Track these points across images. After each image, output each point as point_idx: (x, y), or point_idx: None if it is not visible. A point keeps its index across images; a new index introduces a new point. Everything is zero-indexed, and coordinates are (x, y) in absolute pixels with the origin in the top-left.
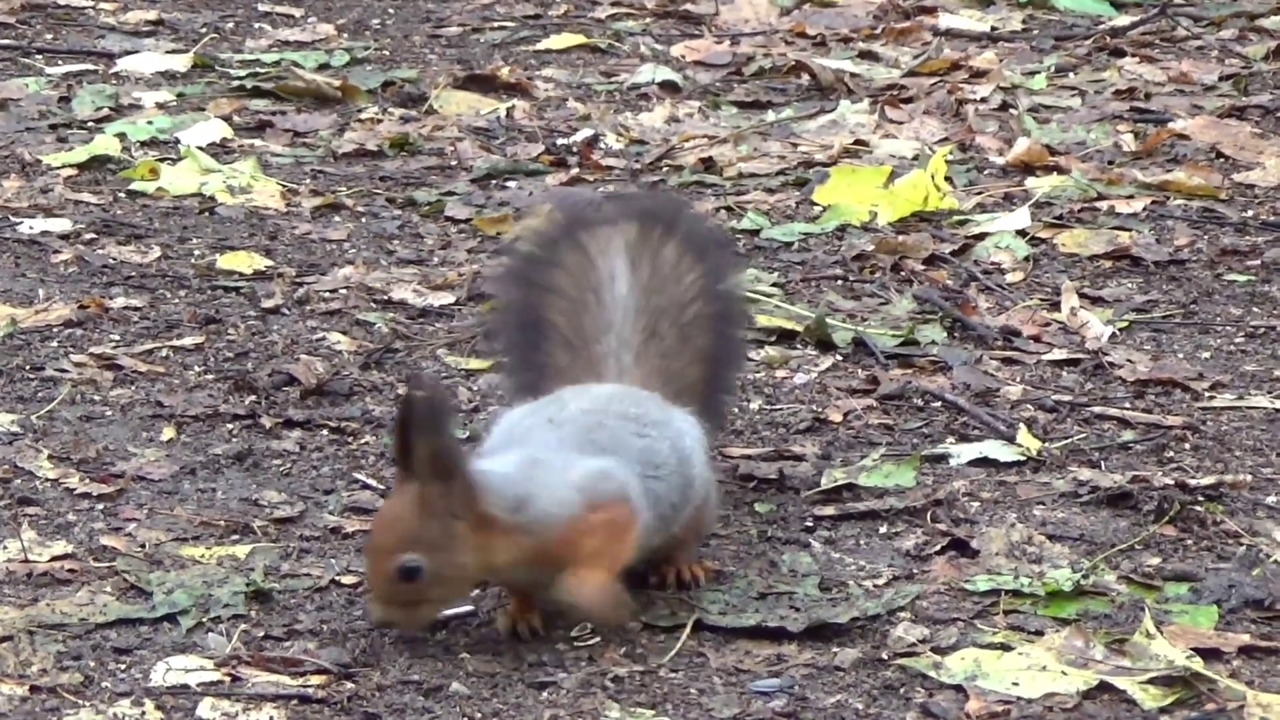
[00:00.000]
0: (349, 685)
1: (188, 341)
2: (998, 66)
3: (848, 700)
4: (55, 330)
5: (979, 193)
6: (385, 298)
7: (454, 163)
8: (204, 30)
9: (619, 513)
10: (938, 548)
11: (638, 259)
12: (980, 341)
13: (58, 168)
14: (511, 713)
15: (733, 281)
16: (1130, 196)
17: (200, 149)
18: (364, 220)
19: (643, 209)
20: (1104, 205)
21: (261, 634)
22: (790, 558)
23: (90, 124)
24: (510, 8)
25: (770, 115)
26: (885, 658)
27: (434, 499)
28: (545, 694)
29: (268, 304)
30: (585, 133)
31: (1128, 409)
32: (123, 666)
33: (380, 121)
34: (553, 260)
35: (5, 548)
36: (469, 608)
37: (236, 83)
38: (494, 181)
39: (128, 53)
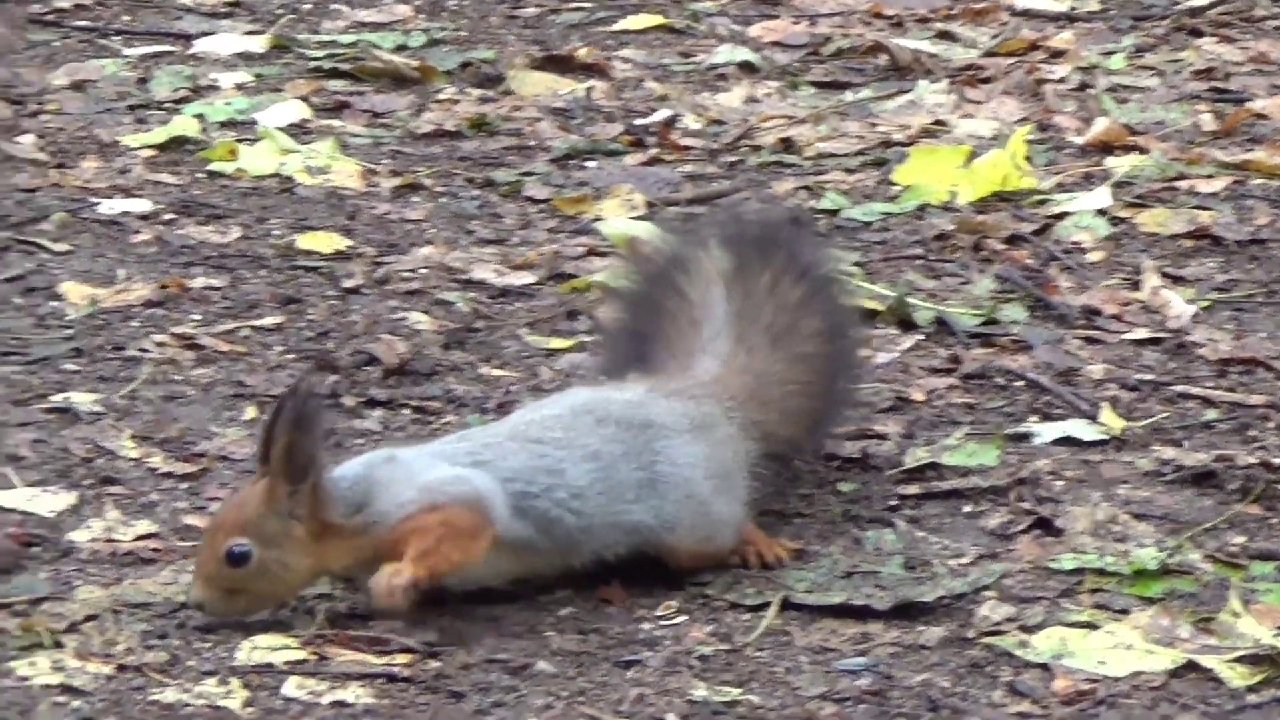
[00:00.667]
0: (434, 664)
1: (268, 321)
2: (1076, 46)
3: (934, 679)
4: (136, 310)
5: (1058, 172)
6: (465, 277)
7: (532, 143)
8: (281, 11)
9: (461, 516)
10: (1022, 526)
11: (733, 287)
12: (1062, 321)
13: (136, 148)
14: (597, 691)
15: (838, 291)
16: (1210, 176)
17: (279, 129)
18: (443, 200)
19: (740, 236)
20: (1184, 185)
21: (346, 612)
22: (875, 536)
23: (168, 105)
24: None
25: (848, 95)
26: (971, 636)
27: (280, 496)
28: (631, 673)
29: (348, 284)
30: (663, 113)
31: (1210, 388)
32: (208, 645)
33: (458, 102)
34: (654, 292)
35: (89, 527)
36: None
37: (314, 63)
38: (572, 161)
39: (205, 34)
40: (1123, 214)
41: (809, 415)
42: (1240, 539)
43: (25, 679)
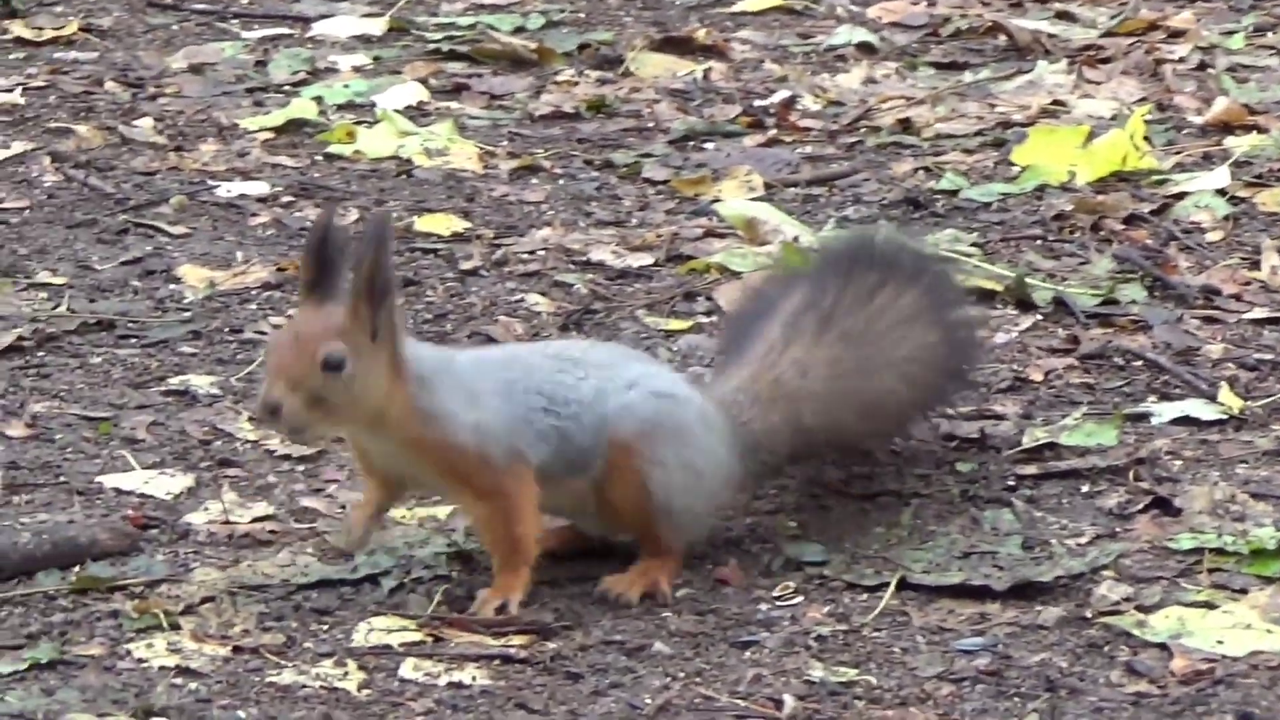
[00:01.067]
0: (551, 645)
1: None
2: (1195, 26)
3: (1051, 659)
4: (254, 292)
5: (1178, 152)
6: (584, 259)
7: (651, 124)
8: None
9: (507, 483)
10: (1140, 506)
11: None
12: (1181, 300)
13: (254, 131)
14: (714, 672)
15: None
16: None
17: (397, 112)
18: (561, 182)
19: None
20: None
21: (463, 594)
22: (992, 516)
23: (287, 88)
24: None
25: (968, 76)
26: (1089, 616)
27: (363, 316)
28: (748, 653)
29: (466, 265)
30: (782, 94)
31: None
32: (325, 627)
33: (577, 84)
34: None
35: (206, 509)
36: None
37: (432, 46)
38: (691, 143)
39: (323, 16)
40: (1242, 193)
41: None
42: None
43: (142, 661)
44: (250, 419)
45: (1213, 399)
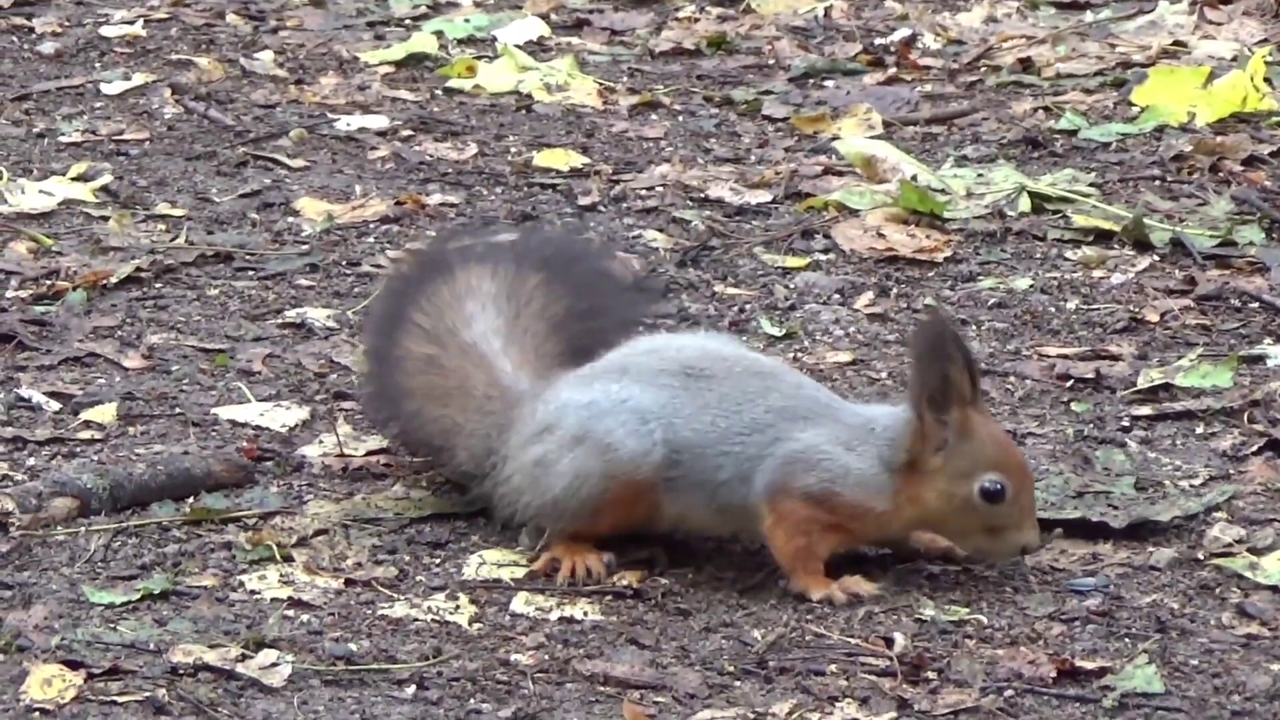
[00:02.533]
0: (663, 581)
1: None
2: None
3: (1163, 600)
4: (371, 226)
5: None
6: (702, 195)
7: (771, 61)
8: None
9: None
10: (1255, 448)
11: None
12: None
13: (375, 65)
14: (825, 610)
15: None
16: None
17: (517, 47)
18: (681, 119)
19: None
20: None
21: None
22: (1105, 456)
23: (407, 22)
24: None
25: (1089, 16)
26: (1201, 558)
27: None
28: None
29: (584, 201)
30: (903, 32)
31: None
32: (437, 561)
33: (697, 20)
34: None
35: (321, 442)
36: None
37: None
38: (811, 80)
39: None
40: None
41: None
42: None
43: (255, 592)
44: (1024, 550)
45: None
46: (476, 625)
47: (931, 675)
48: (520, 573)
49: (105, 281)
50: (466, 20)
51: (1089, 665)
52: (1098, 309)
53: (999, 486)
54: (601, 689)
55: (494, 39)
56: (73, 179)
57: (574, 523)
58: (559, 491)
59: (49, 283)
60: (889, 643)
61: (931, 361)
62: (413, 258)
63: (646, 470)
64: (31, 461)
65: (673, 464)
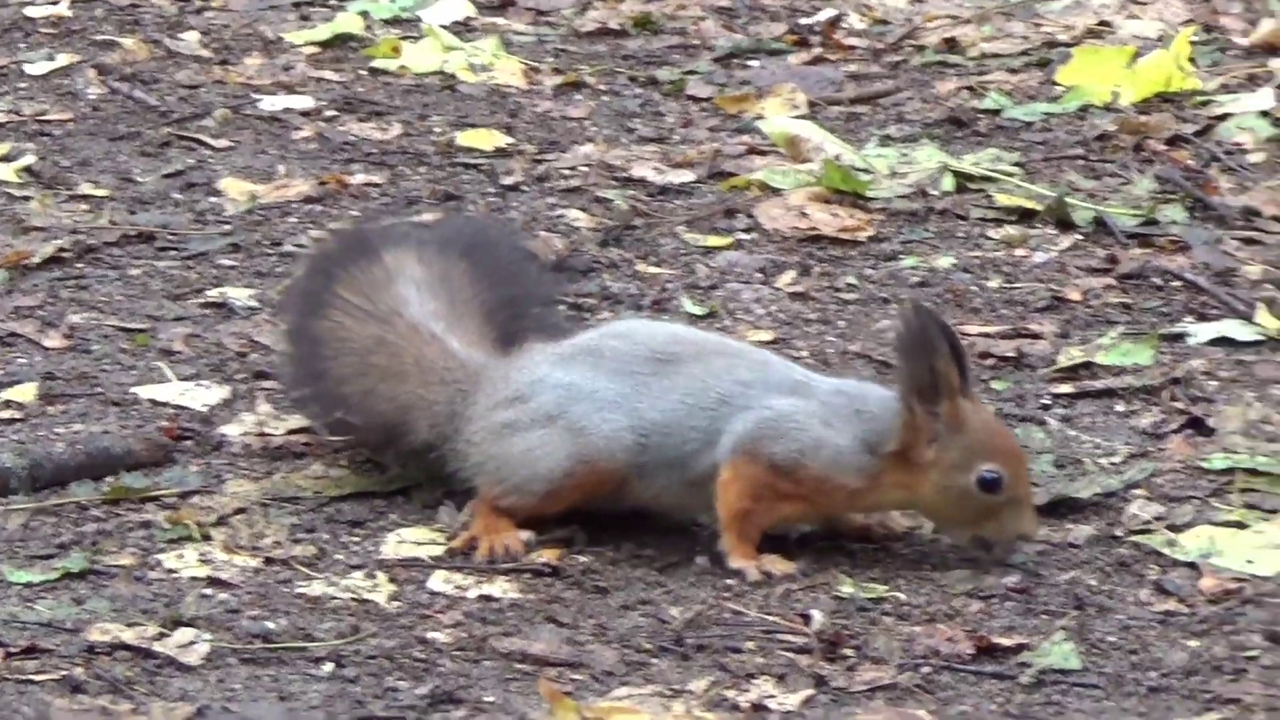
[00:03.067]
0: (582, 559)
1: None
2: None
3: (1081, 577)
4: (295, 206)
5: (1222, 74)
6: (625, 175)
7: (696, 41)
8: None
9: None
10: (1174, 426)
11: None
12: (1221, 221)
13: (300, 45)
14: (744, 588)
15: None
16: None
17: (442, 27)
18: (605, 99)
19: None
20: None
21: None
22: (1025, 434)
23: (333, 2)
24: None
25: None
26: (1120, 535)
27: None
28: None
29: (507, 181)
30: (828, 12)
31: None
32: (355, 539)
33: (623, 1)
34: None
35: (241, 421)
36: None
37: None
38: (736, 60)
39: None
40: None
41: None
42: None
43: (173, 571)
44: (1023, 538)
45: (1250, 320)
46: (394, 603)
47: (849, 652)
48: (438, 551)
49: (27, 261)
50: (392, 1)
51: (1006, 642)
52: (1020, 288)
53: (996, 476)
54: (519, 666)
55: (419, 19)
56: None
57: (521, 497)
58: (517, 459)
59: None
60: (807, 620)
61: (918, 355)
62: (336, 237)
63: (620, 458)
64: None
65: (642, 449)
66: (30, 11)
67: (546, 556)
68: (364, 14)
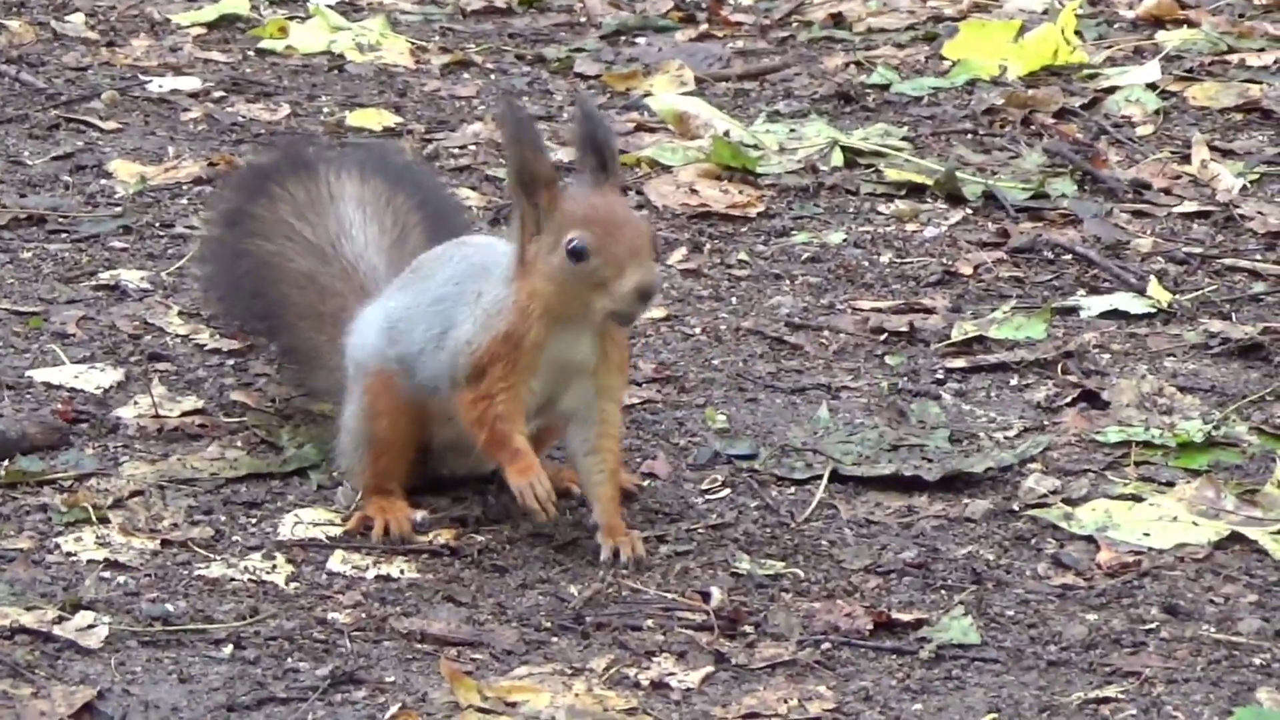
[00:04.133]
0: (479, 539)
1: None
2: None
3: (979, 551)
4: (185, 188)
5: (1109, 47)
6: None
7: (583, 19)
8: None
9: None
10: (1068, 399)
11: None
12: (1110, 194)
13: (187, 27)
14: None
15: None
16: (1261, 49)
17: (329, 7)
18: (493, 77)
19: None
20: (1234, 58)
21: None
22: (920, 409)
23: None
24: None
25: None
26: (1016, 509)
27: None
28: (675, 547)
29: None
30: None
31: (1259, 260)
32: (253, 520)
33: None
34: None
35: (136, 403)
36: None
37: None
38: (623, 38)
39: None
40: (1173, 88)
41: None
42: None
43: (71, 554)
44: (643, 296)
45: (1141, 293)
46: (293, 584)
47: (748, 629)
48: (336, 532)
49: None
50: None
51: (905, 617)
52: (911, 262)
53: (581, 244)
54: (419, 646)
55: (305, 0)
56: None
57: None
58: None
59: None
60: (705, 597)
61: (510, 149)
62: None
63: (390, 360)
64: None
65: (392, 342)
66: None
67: (445, 537)
68: None
